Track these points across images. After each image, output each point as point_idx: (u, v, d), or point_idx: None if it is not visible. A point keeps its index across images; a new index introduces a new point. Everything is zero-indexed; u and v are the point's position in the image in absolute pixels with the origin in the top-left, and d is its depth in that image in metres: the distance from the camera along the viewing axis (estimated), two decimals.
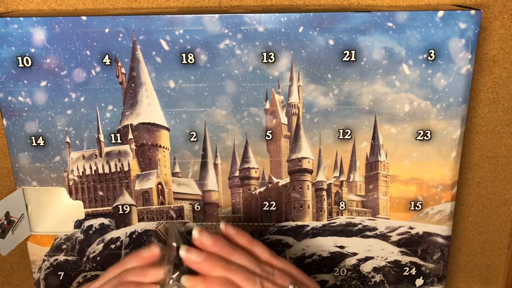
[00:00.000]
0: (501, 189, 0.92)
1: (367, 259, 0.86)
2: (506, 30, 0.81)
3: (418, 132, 0.79)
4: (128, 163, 0.81)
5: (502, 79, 0.85)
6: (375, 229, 0.85)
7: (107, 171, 0.81)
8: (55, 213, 0.86)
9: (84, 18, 0.73)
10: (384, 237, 0.85)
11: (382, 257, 0.86)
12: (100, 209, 0.83)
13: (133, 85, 0.77)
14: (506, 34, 0.82)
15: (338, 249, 0.86)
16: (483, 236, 0.96)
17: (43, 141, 0.79)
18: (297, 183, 0.82)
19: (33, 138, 0.79)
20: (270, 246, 0.84)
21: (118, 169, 0.81)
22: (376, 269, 0.87)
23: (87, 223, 0.84)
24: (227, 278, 0.60)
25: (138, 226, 0.84)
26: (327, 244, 0.85)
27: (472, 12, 0.72)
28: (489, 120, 0.87)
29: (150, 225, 0.84)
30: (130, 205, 0.83)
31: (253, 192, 0.83)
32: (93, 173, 0.81)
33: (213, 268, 0.60)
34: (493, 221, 0.95)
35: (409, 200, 0.83)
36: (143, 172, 0.81)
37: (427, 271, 0.87)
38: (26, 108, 0.77)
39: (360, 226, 0.85)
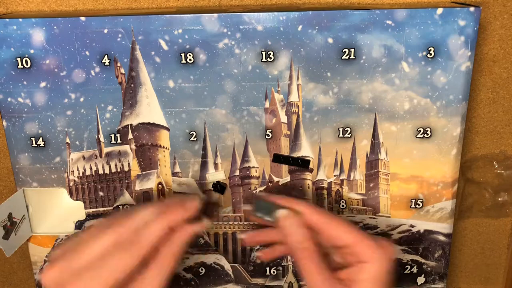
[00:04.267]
0: None
1: None
2: (506, 30, 0.81)
3: (418, 129, 0.79)
4: (128, 163, 0.81)
5: (502, 79, 0.85)
6: (376, 227, 0.85)
7: (107, 171, 0.81)
8: (56, 214, 0.86)
9: (83, 18, 0.73)
10: (385, 235, 0.85)
11: None
12: (101, 209, 0.83)
13: (132, 85, 0.77)
14: (506, 34, 0.82)
15: None
16: (483, 236, 0.96)
17: (43, 142, 0.79)
18: (298, 182, 0.82)
19: (33, 139, 0.79)
20: (270, 246, 0.85)
21: (118, 170, 0.81)
22: None
23: (87, 224, 0.84)
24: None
25: None
26: None
27: (471, 9, 0.72)
28: (489, 120, 0.87)
29: None
30: (130, 205, 0.83)
31: (254, 191, 0.83)
32: (93, 173, 0.82)
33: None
34: (493, 221, 0.94)
35: (409, 198, 0.83)
36: (143, 172, 0.81)
37: (429, 269, 0.87)
38: (26, 109, 0.78)
39: (361, 225, 0.84)
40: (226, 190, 0.83)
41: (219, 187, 0.82)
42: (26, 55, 0.75)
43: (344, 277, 0.63)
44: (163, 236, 0.57)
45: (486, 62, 0.83)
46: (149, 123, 0.79)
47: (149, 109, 0.78)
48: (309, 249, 0.62)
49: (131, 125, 0.79)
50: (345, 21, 0.73)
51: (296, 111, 0.78)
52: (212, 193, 0.81)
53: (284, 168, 0.82)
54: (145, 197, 0.82)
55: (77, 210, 0.84)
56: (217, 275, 0.87)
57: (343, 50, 0.75)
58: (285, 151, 0.81)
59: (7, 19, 0.73)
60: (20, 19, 0.73)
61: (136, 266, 0.55)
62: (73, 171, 0.81)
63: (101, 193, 0.82)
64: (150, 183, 0.82)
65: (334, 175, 0.82)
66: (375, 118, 0.79)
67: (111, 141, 0.80)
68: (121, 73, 0.76)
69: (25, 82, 0.76)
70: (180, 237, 0.58)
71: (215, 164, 0.81)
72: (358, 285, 0.61)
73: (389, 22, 0.73)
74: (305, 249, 0.62)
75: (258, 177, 0.82)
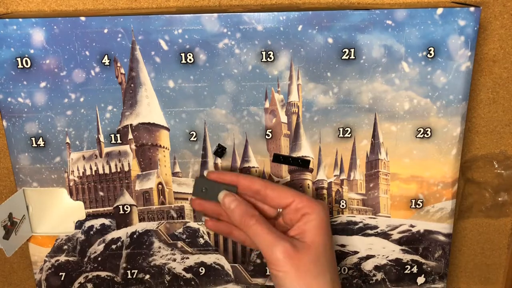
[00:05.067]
0: None
1: (368, 257, 0.86)
2: (506, 30, 0.81)
3: (418, 130, 0.79)
4: (128, 163, 0.81)
5: (502, 79, 0.85)
6: (376, 227, 0.85)
7: (107, 171, 0.81)
8: (56, 214, 0.86)
9: (83, 18, 0.73)
10: (385, 235, 0.85)
11: (383, 256, 0.86)
12: (101, 209, 0.83)
13: (132, 85, 0.77)
14: (506, 34, 0.82)
15: (339, 248, 0.86)
16: (483, 236, 0.96)
17: (43, 142, 0.79)
18: (298, 182, 0.82)
19: (33, 139, 0.79)
20: None
21: (119, 170, 0.81)
22: (377, 268, 0.87)
23: (88, 224, 0.84)
24: None
25: (139, 226, 0.84)
26: None
27: (471, 9, 0.72)
28: (489, 120, 0.87)
29: (151, 225, 0.84)
30: (130, 205, 0.83)
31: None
32: (93, 173, 0.82)
33: None
34: (493, 221, 0.94)
35: (409, 198, 0.83)
36: (143, 172, 0.81)
37: (429, 269, 0.87)
38: (26, 109, 0.78)
39: (361, 225, 0.85)
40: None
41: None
42: (26, 55, 0.75)
43: (294, 233, 0.70)
44: None
45: (486, 62, 0.83)
46: (149, 123, 0.79)
47: (149, 109, 0.78)
48: (254, 215, 0.69)
49: (131, 125, 0.79)
50: (345, 21, 0.73)
51: (296, 111, 0.78)
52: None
53: (284, 168, 0.82)
54: (145, 197, 0.82)
55: (77, 210, 0.84)
56: (217, 275, 0.87)
57: (343, 50, 0.75)
58: (285, 151, 0.81)
59: (7, 19, 0.73)
60: (20, 19, 0.73)
61: None
62: (73, 171, 0.81)
63: (101, 193, 0.82)
64: (150, 183, 0.82)
65: (334, 175, 0.82)
66: (375, 118, 0.79)
67: (111, 141, 0.80)
68: (121, 73, 0.76)
69: (25, 82, 0.76)
70: None
71: (215, 164, 0.81)
72: (307, 233, 0.68)
73: (389, 22, 0.73)
74: (250, 217, 0.69)
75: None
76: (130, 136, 0.80)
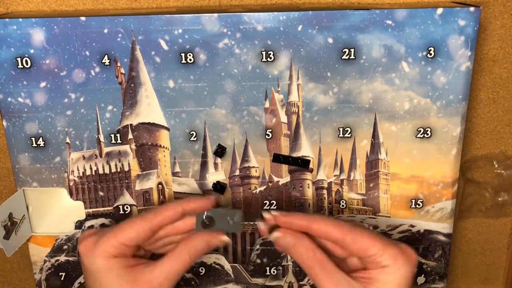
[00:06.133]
0: None
1: None
2: (506, 30, 0.81)
3: (418, 129, 0.79)
4: (128, 163, 0.81)
5: (502, 79, 0.85)
6: (376, 227, 0.85)
7: (107, 171, 0.81)
8: (56, 214, 0.86)
9: (83, 18, 0.73)
10: (385, 235, 0.85)
11: None
12: (101, 209, 0.83)
13: (132, 85, 0.77)
14: (506, 34, 0.82)
15: None
16: (483, 236, 0.96)
17: (43, 142, 0.79)
18: (298, 182, 0.82)
19: (33, 139, 0.79)
20: (271, 245, 0.85)
21: (119, 169, 0.81)
22: None
23: (88, 224, 0.84)
24: None
25: None
26: None
27: (471, 9, 0.72)
28: (489, 120, 0.87)
29: None
30: (130, 205, 0.83)
31: (254, 191, 0.83)
32: (93, 173, 0.82)
33: None
34: (493, 221, 0.94)
35: (409, 198, 0.83)
36: (143, 172, 0.81)
37: (429, 269, 0.87)
38: (26, 109, 0.78)
39: None
40: (226, 190, 0.83)
41: (219, 187, 0.82)
42: (26, 55, 0.75)
43: (362, 275, 0.63)
44: (182, 230, 0.67)
45: (486, 62, 0.83)
46: (149, 123, 0.79)
47: (149, 109, 0.78)
48: (318, 260, 0.63)
49: (131, 125, 0.79)
50: (345, 21, 0.73)
51: (296, 111, 0.78)
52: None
53: (284, 168, 0.82)
54: (145, 197, 0.82)
55: (77, 210, 0.84)
56: (217, 275, 0.87)
57: (343, 50, 0.75)
58: (285, 151, 0.81)
59: (7, 19, 0.73)
60: (20, 19, 0.73)
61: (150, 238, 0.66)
62: (73, 171, 0.81)
63: (101, 193, 0.82)
64: (150, 183, 0.82)
65: (334, 175, 0.82)
66: (375, 118, 0.79)
67: (111, 141, 0.80)
68: (121, 73, 0.76)
69: (25, 82, 0.76)
70: (199, 241, 0.65)
71: (215, 164, 0.81)
72: (377, 283, 0.62)
73: (389, 22, 0.73)
74: (310, 259, 0.63)
75: (258, 177, 0.82)
76: (130, 136, 0.80)
